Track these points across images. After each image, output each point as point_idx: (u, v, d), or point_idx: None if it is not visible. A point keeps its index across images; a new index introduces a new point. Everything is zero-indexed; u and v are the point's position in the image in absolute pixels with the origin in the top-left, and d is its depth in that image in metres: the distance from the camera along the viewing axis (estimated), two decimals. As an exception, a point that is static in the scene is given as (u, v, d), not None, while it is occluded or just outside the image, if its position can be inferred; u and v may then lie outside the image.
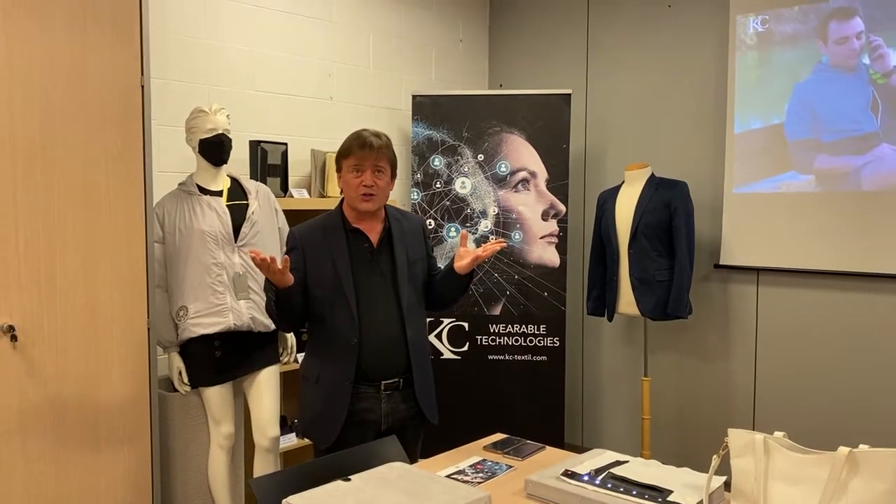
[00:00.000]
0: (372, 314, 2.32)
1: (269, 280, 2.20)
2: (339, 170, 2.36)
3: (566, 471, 1.80)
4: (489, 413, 4.10)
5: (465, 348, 4.14)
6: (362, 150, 2.29)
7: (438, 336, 4.17)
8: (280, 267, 2.12)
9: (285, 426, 3.50)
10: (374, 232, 2.37)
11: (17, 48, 2.28)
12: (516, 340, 4.11)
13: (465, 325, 4.12)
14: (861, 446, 1.47)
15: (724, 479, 1.74)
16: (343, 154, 2.34)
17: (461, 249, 2.34)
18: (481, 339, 4.12)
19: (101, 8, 2.45)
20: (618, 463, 1.88)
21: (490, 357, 4.12)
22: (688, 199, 3.66)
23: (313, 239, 2.35)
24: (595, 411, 4.53)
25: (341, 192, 2.37)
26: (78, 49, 2.41)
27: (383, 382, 2.32)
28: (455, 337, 4.16)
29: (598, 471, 1.81)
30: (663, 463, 1.94)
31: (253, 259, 2.08)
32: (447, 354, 4.16)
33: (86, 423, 2.48)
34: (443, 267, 2.49)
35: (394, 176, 2.38)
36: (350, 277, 2.31)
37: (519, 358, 4.11)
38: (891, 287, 3.47)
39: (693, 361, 4.12)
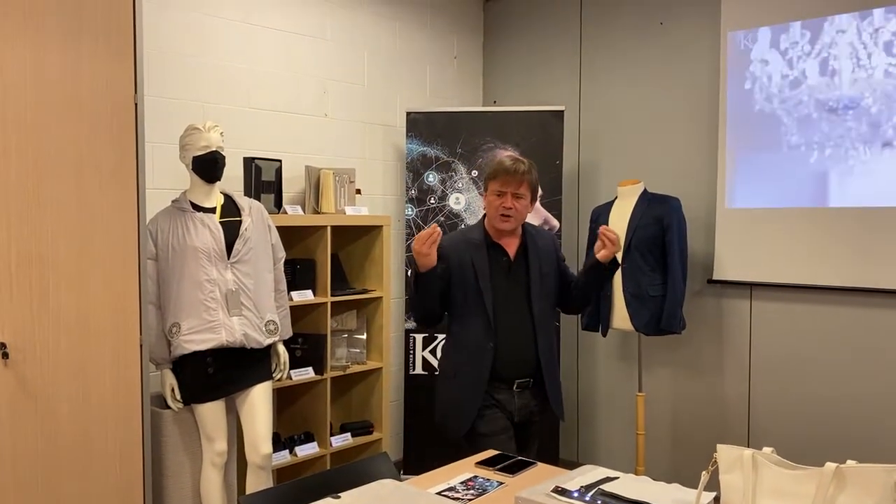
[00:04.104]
0: (506, 322, 2.61)
1: (414, 270, 2.50)
2: (485, 190, 2.65)
3: (556, 487, 1.80)
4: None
5: (460, 364, 4.13)
6: (507, 175, 2.57)
7: (433, 352, 4.17)
8: (435, 237, 2.41)
9: (278, 443, 3.49)
10: (511, 247, 2.67)
11: (10, 64, 2.30)
12: (511, 356, 4.10)
13: (460, 340, 4.12)
14: (849, 462, 1.48)
15: (713, 494, 1.74)
16: (490, 177, 2.62)
17: (598, 244, 2.60)
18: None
19: (96, 25, 2.47)
20: (608, 479, 1.88)
21: (484, 373, 4.11)
22: (680, 215, 3.68)
23: (457, 249, 2.63)
24: (590, 427, 4.52)
25: (484, 207, 2.67)
26: (72, 66, 2.42)
27: (516, 381, 2.61)
28: (449, 353, 4.15)
29: (588, 487, 1.81)
30: (658, 478, 1.94)
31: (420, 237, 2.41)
32: (442, 370, 4.15)
33: (78, 440, 2.47)
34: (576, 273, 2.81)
35: (534, 199, 2.66)
36: (489, 288, 2.60)
37: (513, 373, 4.10)
38: (885, 302, 3.48)
39: (688, 376, 4.12)
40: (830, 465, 1.47)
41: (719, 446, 1.63)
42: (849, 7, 3.48)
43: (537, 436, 2.74)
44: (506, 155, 2.64)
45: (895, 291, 3.41)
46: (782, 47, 3.68)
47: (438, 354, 4.15)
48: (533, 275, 2.64)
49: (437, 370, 4.15)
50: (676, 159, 4.13)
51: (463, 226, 4.15)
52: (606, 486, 1.82)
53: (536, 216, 4.10)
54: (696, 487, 1.77)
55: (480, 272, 2.59)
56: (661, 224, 3.64)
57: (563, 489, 1.79)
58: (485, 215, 2.68)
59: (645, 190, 3.75)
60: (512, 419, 2.61)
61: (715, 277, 3.93)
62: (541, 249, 2.70)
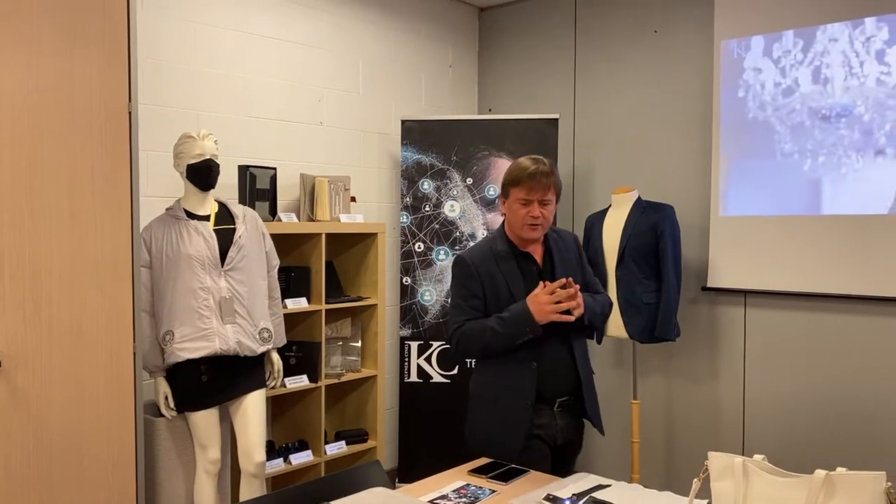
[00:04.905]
0: (545, 337, 2.37)
1: (525, 322, 2.28)
2: (505, 196, 2.45)
3: (548, 495, 1.80)
4: (479, 437, 4.08)
5: (455, 371, 4.14)
6: (532, 181, 2.36)
7: (428, 359, 4.17)
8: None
9: (272, 451, 3.48)
10: (538, 254, 2.49)
11: (3, 71, 2.30)
12: (505, 363, 4.10)
13: (455, 348, 4.12)
14: (838, 469, 1.48)
15: (705, 502, 1.74)
16: (512, 183, 2.41)
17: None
18: (470, 363, 4.11)
19: (90, 32, 2.48)
20: (600, 487, 1.88)
21: (479, 380, 4.10)
22: (674, 223, 3.69)
23: (486, 265, 2.43)
24: (585, 434, 4.51)
25: (503, 215, 2.48)
26: (65, 73, 2.42)
27: (558, 401, 2.43)
28: (444, 360, 4.15)
29: (580, 495, 1.81)
30: (653, 486, 1.94)
31: (566, 285, 2.24)
32: (436, 378, 4.15)
33: (70, 448, 2.46)
34: (590, 276, 2.61)
35: (557, 201, 2.48)
36: None
37: (508, 381, 4.09)
38: (878, 309, 3.49)
39: (682, 384, 4.12)
40: (820, 473, 1.48)
41: (710, 454, 1.64)
42: (841, 16, 3.50)
43: (576, 455, 2.58)
44: (526, 157, 2.42)
45: (889, 299, 3.42)
46: (775, 56, 3.70)
47: (433, 362, 4.15)
48: None
49: (432, 378, 4.15)
50: (670, 167, 4.15)
51: (457, 233, 4.15)
52: (598, 494, 1.82)
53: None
54: (689, 495, 1.77)
55: (514, 286, 2.40)
56: (655, 232, 3.64)
57: (554, 497, 1.79)
58: (503, 223, 2.51)
59: (639, 198, 3.76)
60: (554, 443, 2.44)
61: (709, 285, 3.94)
62: (565, 252, 2.54)
